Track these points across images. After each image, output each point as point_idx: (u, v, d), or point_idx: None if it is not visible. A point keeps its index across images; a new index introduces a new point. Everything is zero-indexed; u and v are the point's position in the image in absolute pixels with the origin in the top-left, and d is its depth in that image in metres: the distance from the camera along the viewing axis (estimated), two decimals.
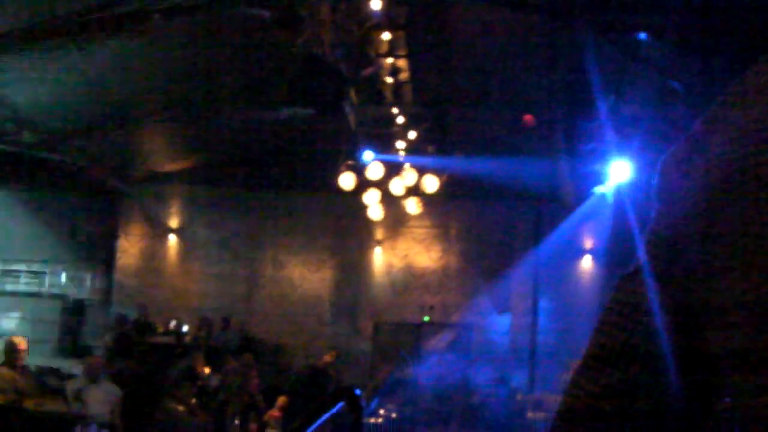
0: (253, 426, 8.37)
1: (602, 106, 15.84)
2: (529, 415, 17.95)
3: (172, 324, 21.19)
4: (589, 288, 21.15)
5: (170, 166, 22.43)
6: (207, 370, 14.78)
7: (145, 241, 23.44)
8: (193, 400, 8.70)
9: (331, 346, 21.03)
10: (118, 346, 16.99)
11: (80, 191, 23.38)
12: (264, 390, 12.07)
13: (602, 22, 14.32)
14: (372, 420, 12.49)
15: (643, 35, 14.08)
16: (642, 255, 1.31)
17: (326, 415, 2.85)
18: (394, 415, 11.87)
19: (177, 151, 21.79)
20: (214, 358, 16.20)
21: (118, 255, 23.28)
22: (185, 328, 21.16)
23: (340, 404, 2.97)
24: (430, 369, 19.78)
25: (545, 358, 21.09)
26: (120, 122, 18.52)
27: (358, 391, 2.95)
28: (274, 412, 8.10)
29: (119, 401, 7.64)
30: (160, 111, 18.40)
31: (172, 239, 23.34)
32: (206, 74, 17.03)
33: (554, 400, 19.06)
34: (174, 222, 23.45)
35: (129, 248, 23.34)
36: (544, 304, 21.62)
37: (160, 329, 20.97)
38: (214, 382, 14.44)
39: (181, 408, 7.62)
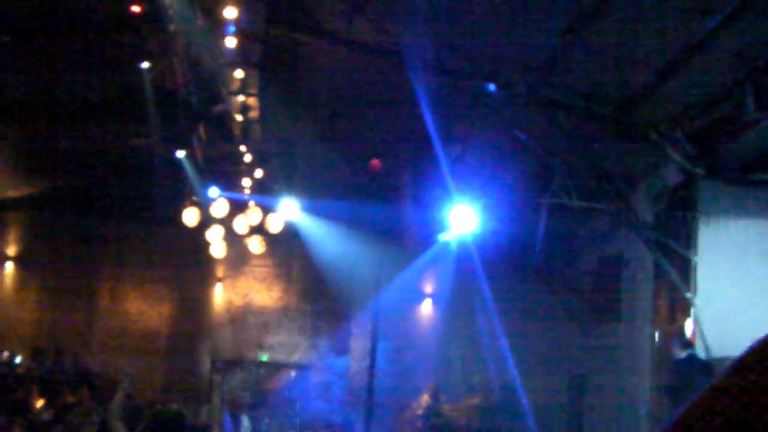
0: None
1: (449, 154, 16.09)
2: None
3: (5, 355, 20.44)
4: (429, 331, 21.37)
5: (10, 192, 21.73)
6: (40, 403, 14.30)
7: None
8: None
9: (167, 384, 20.70)
10: None
11: None
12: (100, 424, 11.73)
13: (449, 70, 14.58)
14: None
15: (491, 86, 14.39)
16: None
17: None
18: None
19: (18, 177, 21.12)
20: (47, 390, 15.68)
21: None
22: (18, 359, 20.44)
23: None
24: (268, 408, 19.63)
25: (383, 399, 21.16)
26: None
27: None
28: None
29: None
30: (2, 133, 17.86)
31: (9, 267, 22.56)
32: (50, 96, 16.60)
33: None
34: (12, 249, 22.69)
35: None
36: (383, 346, 21.70)
37: None
38: (47, 416, 13.97)
39: None
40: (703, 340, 13.21)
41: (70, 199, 21.52)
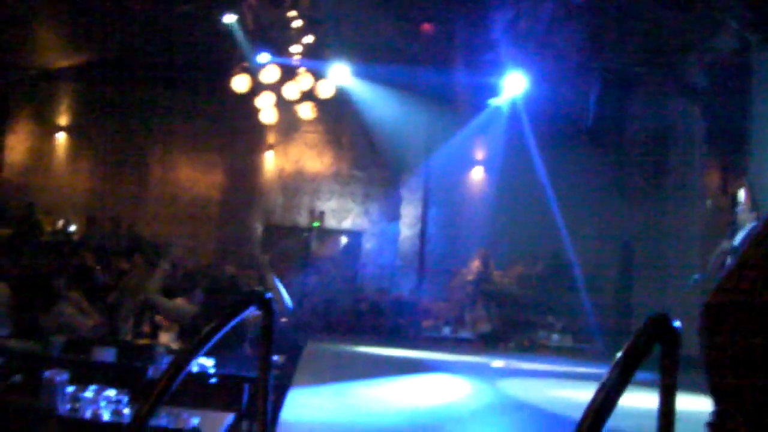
0: (146, 328, 8.29)
1: (500, 19, 15.85)
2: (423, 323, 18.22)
3: (60, 223, 20.77)
4: (479, 198, 21.37)
5: (60, 63, 21.74)
6: (97, 269, 14.57)
7: (34, 138, 22.82)
8: (85, 302, 8.56)
9: (220, 251, 21.01)
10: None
11: None
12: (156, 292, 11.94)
13: None
14: None
15: None
16: None
17: (237, 319, 2.78)
18: (284, 319, 11.88)
19: (67, 48, 21.10)
20: (102, 258, 15.94)
21: (6, 153, 22.61)
22: (72, 228, 20.77)
23: (251, 309, 2.90)
24: (319, 274, 19.87)
25: (433, 266, 21.34)
26: (6, 17, 17.85)
27: (268, 295, 2.88)
28: None
29: (7, 299, 7.48)
30: (51, 5, 17.80)
31: (61, 137, 22.76)
32: None
33: (442, 307, 19.39)
34: (63, 120, 22.85)
35: (17, 146, 22.69)
36: (433, 213, 21.80)
37: (48, 228, 20.54)
38: (103, 281, 14.25)
39: (71, 310, 7.48)
40: (757, 208, 13.05)
41: (119, 68, 21.47)
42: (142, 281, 10.41)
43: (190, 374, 2.67)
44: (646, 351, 2.03)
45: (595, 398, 1.76)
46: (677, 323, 2.14)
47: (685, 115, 16.45)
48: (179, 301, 8.23)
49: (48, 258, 15.88)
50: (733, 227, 12.61)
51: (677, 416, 1.88)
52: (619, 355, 2.02)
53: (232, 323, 2.83)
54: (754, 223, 11.99)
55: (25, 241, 18.37)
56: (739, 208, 12.32)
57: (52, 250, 17.96)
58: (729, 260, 12.05)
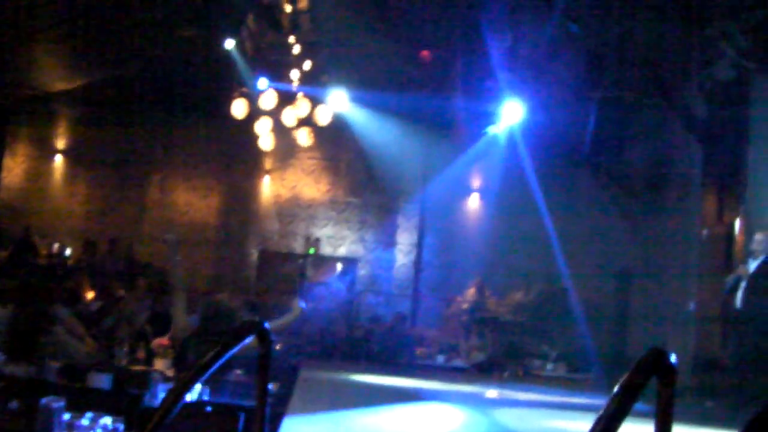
0: (141, 354, 8.27)
1: (499, 46, 15.91)
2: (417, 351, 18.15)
3: (56, 247, 20.75)
4: (475, 226, 21.38)
5: (59, 86, 21.78)
6: (90, 295, 14.53)
7: (31, 161, 22.84)
8: (80, 327, 8.55)
9: (216, 276, 21.02)
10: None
11: None
12: (152, 317, 11.92)
13: None
14: None
15: None
16: None
17: (235, 348, 2.78)
18: (278, 346, 11.84)
19: (66, 71, 21.14)
20: (98, 282, 15.89)
21: (3, 175, 22.62)
22: (68, 252, 20.74)
23: (250, 338, 2.91)
24: (315, 301, 19.83)
25: (428, 293, 21.33)
26: (7, 39, 17.89)
27: (267, 325, 2.89)
28: (163, 341, 8.00)
29: (3, 323, 7.50)
30: (51, 28, 17.83)
31: (59, 160, 22.79)
32: None
33: (436, 335, 19.35)
34: (61, 143, 22.88)
35: (14, 168, 22.71)
36: (429, 240, 21.81)
37: (44, 252, 20.51)
38: (95, 306, 14.19)
39: (66, 335, 7.47)
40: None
41: (118, 91, 21.52)
42: (139, 307, 10.43)
43: (185, 402, 2.67)
44: (643, 384, 2.05)
45: (593, 430, 1.76)
46: (673, 357, 2.15)
47: (684, 143, 16.48)
48: (184, 318, 8.24)
49: (43, 282, 15.84)
50: (745, 258, 12.60)
51: None
52: (616, 388, 2.02)
53: (231, 353, 2.83)
54: (765, 256, 11.99)
55: (21, 264, 18.35)
56: (757, 239, 12.28)
57: (47, 273, 17.93)
58: (743, 286, 12.07)
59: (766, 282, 11.74)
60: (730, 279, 12.64)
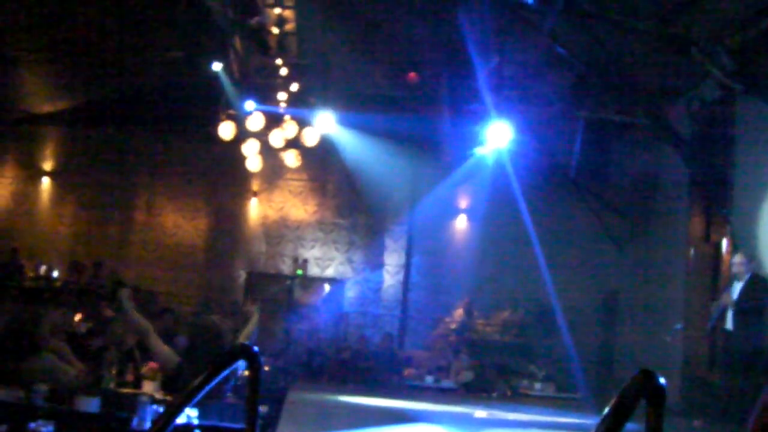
0: (129, 377, 8.23)
1: (486, 67, 15.96)
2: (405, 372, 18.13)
3: (42, 269, 20.68)
4: (463, 247, 21.40)
5: (46, 107, 21.79)
6: (78, 317, 14.48)
7: (18, 183, 22.81)
8: (67, 349, 8.50)
9: (203, 297, 20.97)
10: None
11: None
12: (140, 340, 11.86)
13: None
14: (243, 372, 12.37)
15: None
16: None
17: (225, 372, 2.79)
18: (266, 367, 11.81)
19: (53, 92, 21.15)
20: (85, 304, 15.85)
21: None
22: (55, 274, 20.68)
23: (239, 362, 2.91)
24: (302, 322, 19.81)
25: (416, 314, 21.32)
26: None
27: (256, 349, 2.90)
28: (153, 364, 7.95)
29: None
30: (38, 50, 17.86)
31: (46, 182, 22.75)
32: (86, 13, 16.57)
33: (424, 356, 19.32)
34: (48, 164, 22.86)
35: (1, 190, 22.68)
36: (417, 261, 21.81)
37: (31, 274, 20.45)
38: (84, 329, 14.14)
39: (53, 357, 7.43)
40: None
41: (105, 113, 21.54)
42: (127, 329, 10.38)
43: (175, 425, 2.67)
44: (633, 407, 2.07)
45: None
46: (662, 380, 2.17)
47: (670, 163, 16.54)
48: (166, 348, 8.19)
49: (30, 304, 15.79)
50: (730, 280, 12.65)
51: None
52: (606, 410, 2.04)
53: (221, 376, 2.84)
54: (748, 276, 12.06)
55: (7, 286, 18.28)
56: (736, 261, 12.36)
57: (34, 295, 17.87)
58: (730, 313, 12.12)
59: (754, 302, 11.78)
60: (714, 307, 12.72)
